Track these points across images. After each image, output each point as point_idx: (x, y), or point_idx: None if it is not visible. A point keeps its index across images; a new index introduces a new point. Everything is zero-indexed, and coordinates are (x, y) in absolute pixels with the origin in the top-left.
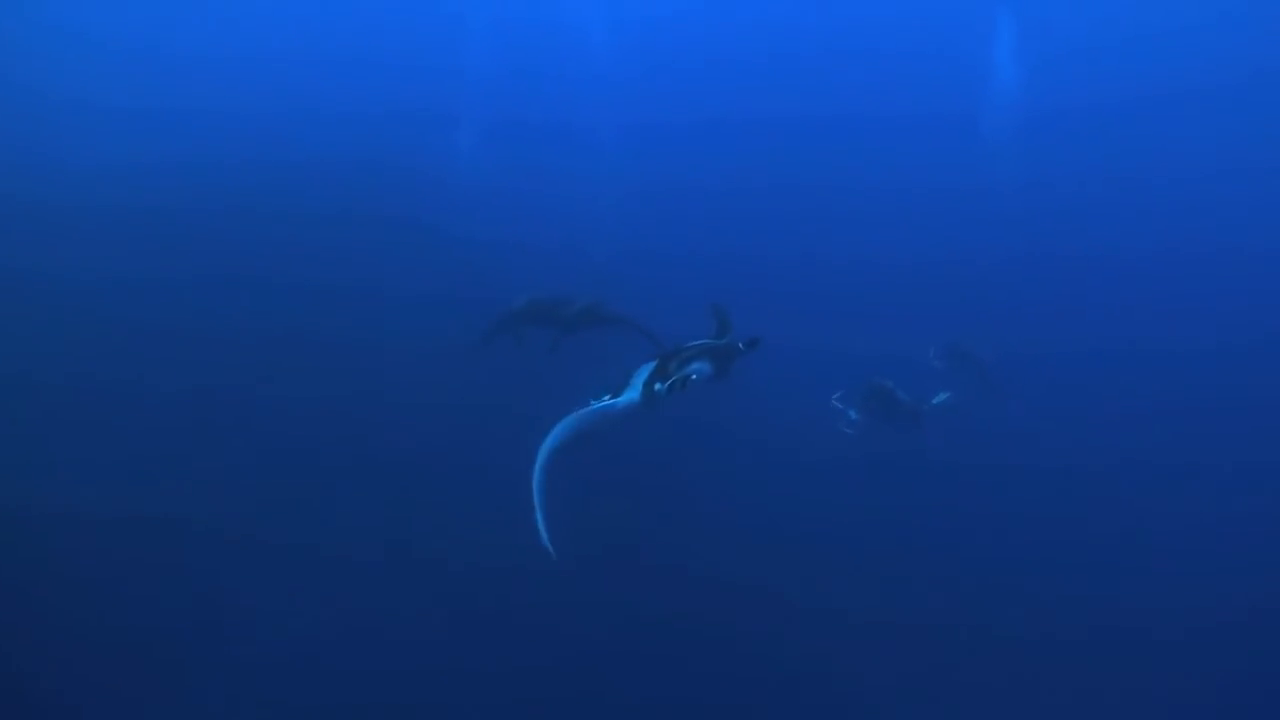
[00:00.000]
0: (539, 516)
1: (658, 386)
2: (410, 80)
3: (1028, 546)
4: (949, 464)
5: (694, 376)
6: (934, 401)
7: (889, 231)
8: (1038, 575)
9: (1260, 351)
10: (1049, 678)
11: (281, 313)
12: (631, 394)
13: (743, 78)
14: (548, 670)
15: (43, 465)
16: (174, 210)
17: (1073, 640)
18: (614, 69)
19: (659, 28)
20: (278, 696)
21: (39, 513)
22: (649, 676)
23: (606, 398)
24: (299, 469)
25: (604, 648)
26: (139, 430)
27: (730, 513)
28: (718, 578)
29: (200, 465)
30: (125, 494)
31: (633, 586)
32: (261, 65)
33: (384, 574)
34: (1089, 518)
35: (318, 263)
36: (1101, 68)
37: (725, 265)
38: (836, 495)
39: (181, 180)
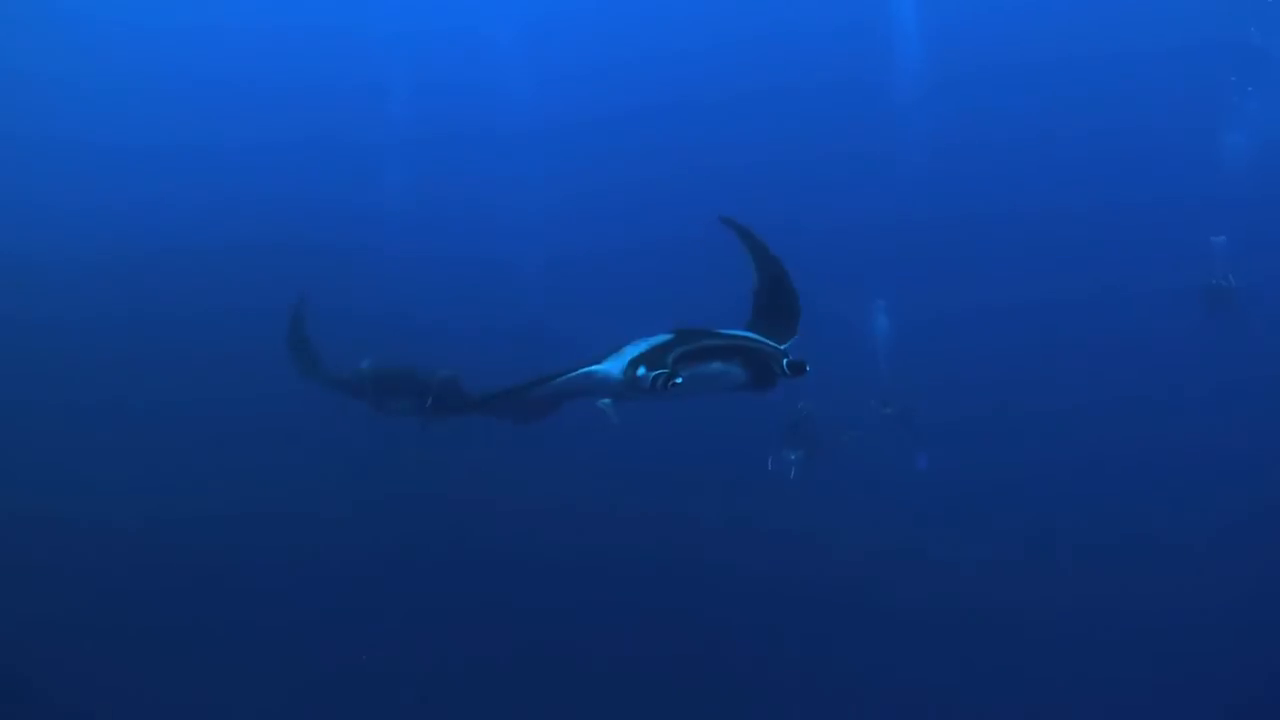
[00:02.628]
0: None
1: (640, 371)
2: (323, 105)
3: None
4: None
5: (680, 379)
6: (849, 434)
7: (810, 200)
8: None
9: (1165, 297)
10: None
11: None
12: (611, 367)
13: (655, 66)
14: None
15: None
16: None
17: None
18: (526, 71)
19: (565, 24)
20: None
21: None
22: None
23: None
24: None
25: None
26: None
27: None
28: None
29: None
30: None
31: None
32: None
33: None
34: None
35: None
36: (1002, 33)
37: (655, 255)
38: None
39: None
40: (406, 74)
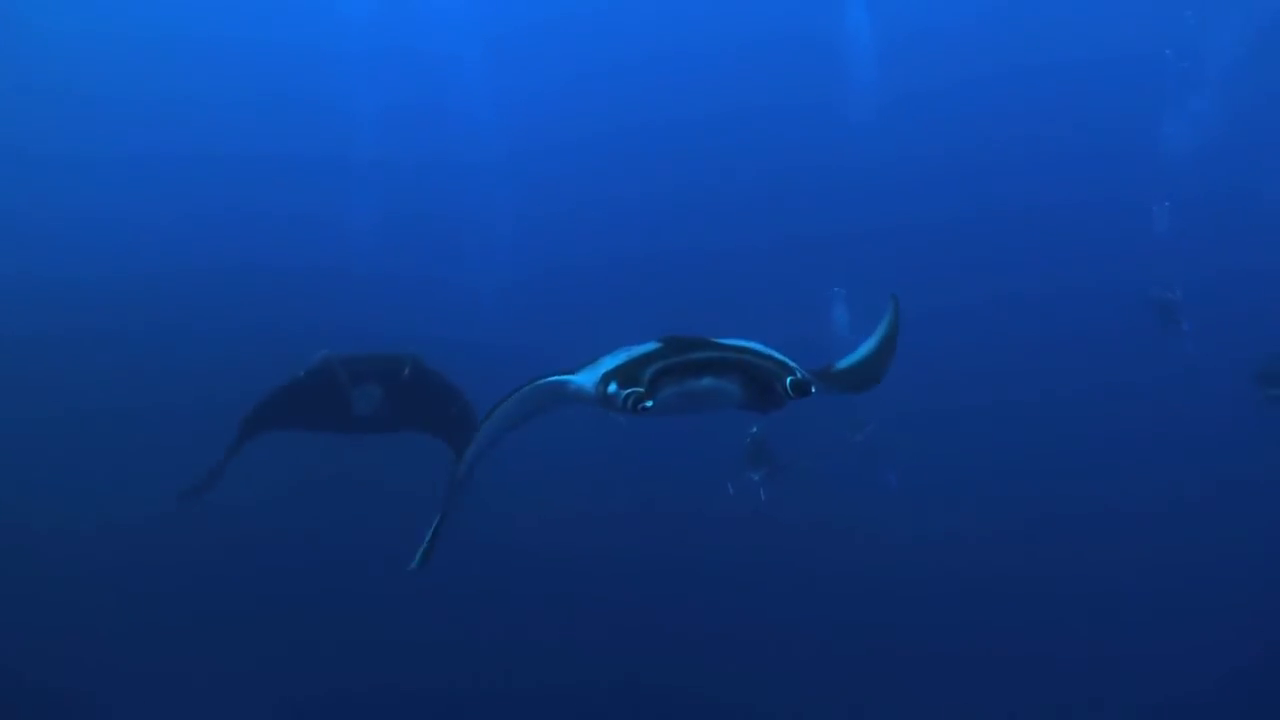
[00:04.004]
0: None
1: (611, 388)
2: (296, 125)
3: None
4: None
5: (650, 404)
6: (806, 459)
7: (772, 217)
8: None
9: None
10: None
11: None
12: (585, 379)
13: (616, 87)
14: None
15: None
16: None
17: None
18: (494, 93)
19: (529, 46)
20: None
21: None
22: None
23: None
24: None
25: None
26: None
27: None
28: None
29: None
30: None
31: None
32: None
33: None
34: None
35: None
36: (954, 51)
37: (628, 275)
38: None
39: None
40: (373, 94)
